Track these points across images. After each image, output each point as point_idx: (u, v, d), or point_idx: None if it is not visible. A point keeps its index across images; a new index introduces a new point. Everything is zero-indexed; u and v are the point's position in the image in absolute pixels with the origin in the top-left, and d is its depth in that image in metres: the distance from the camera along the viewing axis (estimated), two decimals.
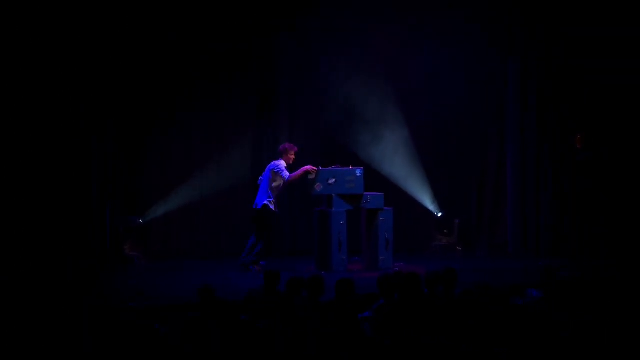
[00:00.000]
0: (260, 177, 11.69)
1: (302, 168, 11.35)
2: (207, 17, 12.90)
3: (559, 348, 6.67)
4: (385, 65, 13.56)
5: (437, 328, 6.95)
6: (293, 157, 11.53)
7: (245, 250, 11.57)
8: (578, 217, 12.85)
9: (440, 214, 13.77)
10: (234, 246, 13.10)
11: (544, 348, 6.68)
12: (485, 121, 13.95)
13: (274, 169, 11.45)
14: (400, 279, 7.60)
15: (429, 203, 13.79)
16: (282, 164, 11.47)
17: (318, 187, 11.34)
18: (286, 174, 11.36)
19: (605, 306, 7.38)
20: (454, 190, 14.02)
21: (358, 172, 11.41)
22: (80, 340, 6.83)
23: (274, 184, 11.46)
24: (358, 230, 11.82)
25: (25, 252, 11.04)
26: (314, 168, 11.33)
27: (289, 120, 13.47)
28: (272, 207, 11.51)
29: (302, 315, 7.13)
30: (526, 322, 7.12)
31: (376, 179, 12.74)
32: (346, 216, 11.38)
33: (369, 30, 13.38)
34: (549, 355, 6.63)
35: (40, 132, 11.40)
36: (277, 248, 13.23)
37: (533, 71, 13.03)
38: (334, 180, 11.31)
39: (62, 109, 11.53)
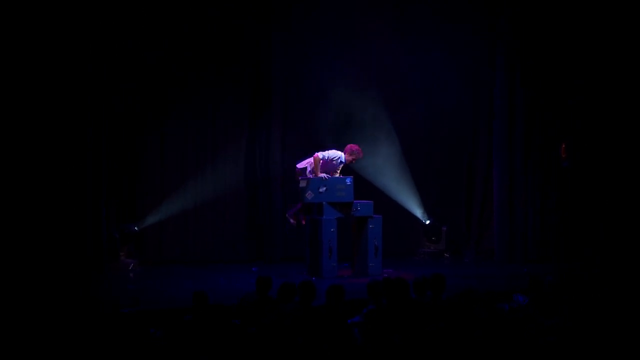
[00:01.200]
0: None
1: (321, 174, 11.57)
2: (201, 21, 12.98)
3: (545, 353, 6.79)
4: (377, 74, 13.73)
5: (424, 332, 7.03)
6: (352, 160, 11.71)
7: None
8: (563, 224, 13.03)
9: (428, 221, 13.91)
10: (228, 252, 13.28)
11: (531, 353, 6.81)
12: (474, 129, 14.11)
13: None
14: (388, 285, 7.73)
15: (417, 210, 13.93)
16: (329, 153, 11.68)
17: (309, 195, 11.48)
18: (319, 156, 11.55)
19: (592, 310, 7.46)
20: (442, 198, 14.15)
21: (348, 181, 11.55)
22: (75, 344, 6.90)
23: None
24: (348, 237, 11.95)
25: (21, 259, 11.09)
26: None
27: (281, 126, 13.51)
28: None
29: (293, 320, 7.25)
30: (512, 326, 7.23)
31: (365, 185, 12.90)
32: (336, 223, 11.53)
33: (363, 35, 13.56)
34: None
35: (35, 142, 11.43)
36: (269, 254, 13.36)
37: (519, 81, 13.16)
38: (324, 188, 11.46)
39: (57, 119, 11.57)
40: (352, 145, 11.73)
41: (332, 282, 8.03)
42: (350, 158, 11.67)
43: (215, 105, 13.30)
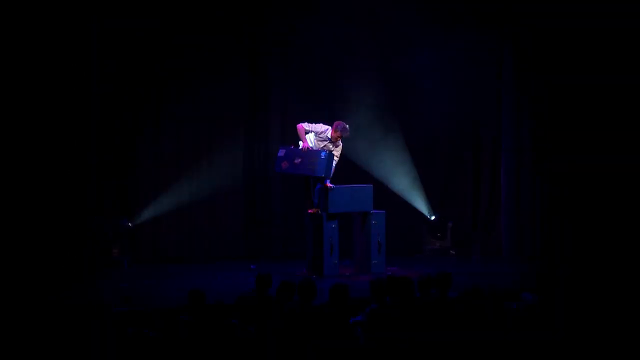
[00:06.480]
0: None
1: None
2: (200, 14, 12.76)
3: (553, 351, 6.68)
4: (379, 65, 13.53)
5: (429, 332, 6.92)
6: (337, 137, 11.25)
7: None
8: (572, 221, 12.84)
9: (433, 217, 13.68)
10: (225, 249, 13.06)
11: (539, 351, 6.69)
12: (481, 124, 13.92)
13: None
14: (392, 283, 7.53)
15: (421, 206, 13.70)
16: (315, 127, 11.38)
17: (284, 165, 11.21)
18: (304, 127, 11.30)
19: (601, 308, 7.33)
20: (447, 193, 13.97)
21: (322, 155, 11.01)
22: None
23: None
24: (350, 233, 11.74)
25: (7, 256, 10.85)
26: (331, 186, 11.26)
27: (281, 120, 13.31)
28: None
29: (294, 319, 7.05)
30: (521, 325, 7.15)
31: (369, 181, 12.62)
32: (338, 219, 11.28)
33: (365, 30, 13.42)
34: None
35: (25, 133, 11.18)
36: (268, 251, 13.14)
37: (527, 79, 13.06)
38: (299, 160, 11.11)
39: (41, 109, 11.28)
40: (339, 122, 11.24)
41: (334, 281, 7.84)
42: (335, 135, 11.15)
43: (212, 98, 13.04)
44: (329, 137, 11.19)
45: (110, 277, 11.38)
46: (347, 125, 11.23)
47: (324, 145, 11.26)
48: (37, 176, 11.20)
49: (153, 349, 6.76)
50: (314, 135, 11.29)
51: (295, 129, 11.36)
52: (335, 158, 11.25)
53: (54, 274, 10.91)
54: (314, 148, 11.19)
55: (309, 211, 11.46)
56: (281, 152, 11.33)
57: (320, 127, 11.27)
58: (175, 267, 12.23)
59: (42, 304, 8.77)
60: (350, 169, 12.68)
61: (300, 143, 11.28)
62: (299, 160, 11.13)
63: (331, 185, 11.24)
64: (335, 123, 11.23)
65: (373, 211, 11.48)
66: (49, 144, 11.29)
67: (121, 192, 12.72)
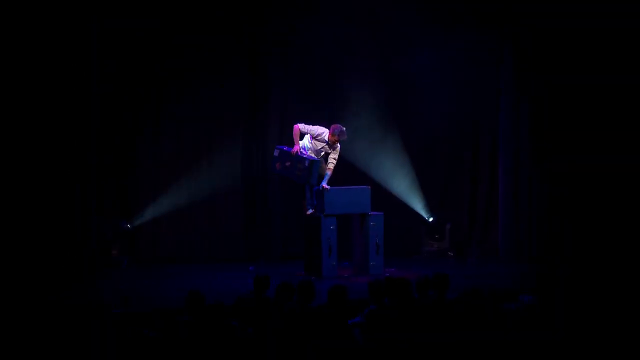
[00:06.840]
0: None
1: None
2: (200, 14, 12.76)
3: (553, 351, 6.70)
4: (379, 65, 13.53)
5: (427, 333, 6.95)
6: (335, 141, 11.16)
7: None
8: (570, 223, 12.83)
9: (431, 219, 13.68)
10: (224, 250, 13.05)
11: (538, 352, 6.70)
12: (481, 125, 13.90)
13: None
14: (390, 285, 7.55)
15: (420, 207, 13.70)
16: (312, 128, 11.30)
17: (278, 165, 11.32)
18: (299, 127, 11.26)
19: (600, 310, 7.34)
20: (445, 194, 13.95)
21: (306, 163, 11.02)
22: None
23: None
24: (348, 235, 11.73)
25: (6, 257, 10.84)
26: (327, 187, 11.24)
27: (280, 121, 13.27)
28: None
29: (293, 320, 7.06)
30: (520, 326, 7.17)
31: (367, 182, 12.63)
32: (336, 221, 11.29)
33: (365, 30, 13.41)
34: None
35: (25, 133, 11.16)
36: (267, 252, 13.12)
37: (526, 81, 13.04)
38: (289, 163, 11.19)
39: (39, 110, 11.26)
40: (336, 125, 11.15)
41: (332, 282, 7.83)
42: (333, 138, 11.06)
43: (212, 98, 13.05)
44: (327, 139, 11.18)
45: (110, 278, 11.39)
46: (345, 129, 11.19)
47: (322, 147, 11.25)
48: (37, 176, 11.19)
49: (153, 349, 6.77)
50: (310, 137, 11.27)
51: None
52: (333, 161, 11.23)
53: (54, 274, 10.93)
54: (305, 152, 11.18)
55: (307, 212, 11.48)
56: (276, 152, 11.39)
57: (318, 129, 11.23)
58: (174, 267, 12.22)
59: (42, 304, 8.78)
60: (349, 170, 12.68)
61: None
62: (289, 163, 11.18)
63: (327, 186, 11.24)
64: (332, 126, 11.16)
65: (371, 213, 11.50)
66: (49, 144, 11.29)
67: (121, 192, 12.75)
